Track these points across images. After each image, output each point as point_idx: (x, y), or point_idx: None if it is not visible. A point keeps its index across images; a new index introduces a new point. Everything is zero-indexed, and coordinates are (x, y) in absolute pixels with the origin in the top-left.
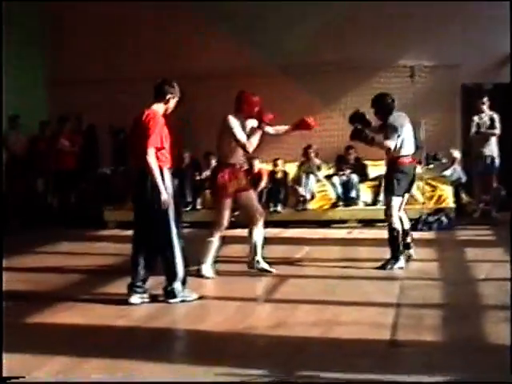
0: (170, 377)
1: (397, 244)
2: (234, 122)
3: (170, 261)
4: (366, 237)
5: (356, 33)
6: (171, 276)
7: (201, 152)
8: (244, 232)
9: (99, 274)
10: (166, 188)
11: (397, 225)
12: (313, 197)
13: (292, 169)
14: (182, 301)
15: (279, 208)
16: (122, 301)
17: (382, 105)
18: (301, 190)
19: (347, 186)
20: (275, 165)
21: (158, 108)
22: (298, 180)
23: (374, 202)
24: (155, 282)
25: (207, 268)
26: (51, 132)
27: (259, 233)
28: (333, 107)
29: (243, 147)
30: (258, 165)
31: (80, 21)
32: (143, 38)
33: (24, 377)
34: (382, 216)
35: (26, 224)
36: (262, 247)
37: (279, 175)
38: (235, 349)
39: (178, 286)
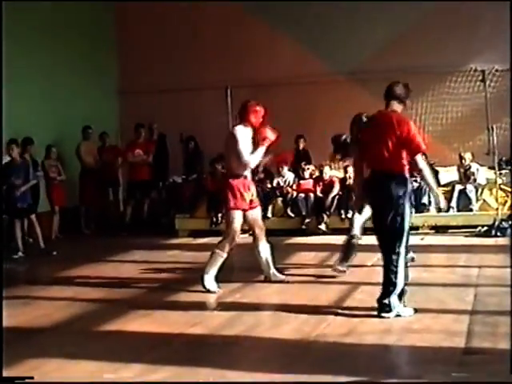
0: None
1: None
2: (240, 133)
3: (393, 271)
4: (438, 243)
5: (424, 38)
6: (390, 288)
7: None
8: (315, 239)
9: (172, 282)
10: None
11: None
12: None
13: None
14: (397, 315)
15: (350, 215)
16: (195, 309)
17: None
18: None
19: (419, 192)
20: (346, 172)
21: (399, 110)
22: None
23: (447, 209)
24: (227, 290)
25: (210, 280)
26: (123, 141)
27: (266, 247)
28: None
29: (244, 162)
30: (329, 172)
31: (150, 33)
32: (211, 47)
33: (32, 377)
34: (454, 222)
35: (99, 233)
36: (273, 258)
37: (350, 182)
38: (307, 357)
39: (394, 299)
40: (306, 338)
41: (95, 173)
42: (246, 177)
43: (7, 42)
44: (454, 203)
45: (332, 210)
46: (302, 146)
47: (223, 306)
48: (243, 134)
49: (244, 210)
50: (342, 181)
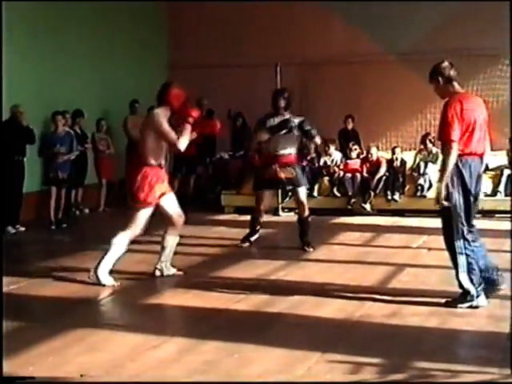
0: (281, 361)
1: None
2: (161, 116)
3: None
4: (485, 227)
5: (476, 20)
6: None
7: None
8: (360, 219)
9: (217, 258)
10: None
11: None
12: (431, 186)
13: (410, 157)
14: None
15: (397, 196)
16: (239, 285)
17: None
18: (419, 179)
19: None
20: (393, 153)
21: None
22: (416, 168)
23: (494, 193)
24: (272, 267)
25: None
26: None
27: (174, 238)
28: None
29: (173, 145)
30: (376, 153)
31: (201, 7)
32: (261, 24)
33: (34, 377)
34: (502, 207)
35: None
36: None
37: (397, 163)
38: (350, 336)
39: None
40: (349, 317)
41: None
42: (161, 166)
43: (59, 17)
44: (501, 188)
45: (378, 190)
46: (350, 125)
47: (267, 283)
48: (164, 118)
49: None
50: (389, 162)
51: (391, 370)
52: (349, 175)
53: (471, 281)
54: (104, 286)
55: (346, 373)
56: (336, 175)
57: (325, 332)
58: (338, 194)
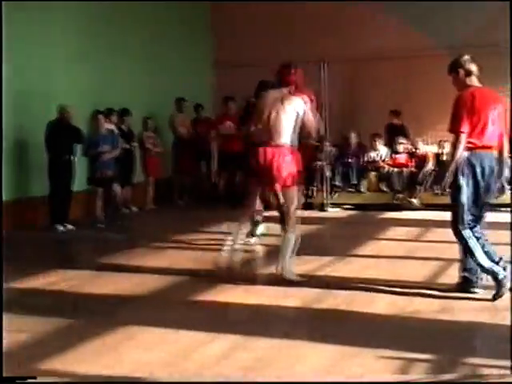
0: (333, 357)
1: None
2: None
3: None
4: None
5: None
6: None
7: (365, 134)
8: (408, 214)
9: (265, 254)
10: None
11: None
12: None
13: None
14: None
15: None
16: (288, 281)
17: None
18: None
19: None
20: (441, 147)
21: None
22: None
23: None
24: (319, 264)
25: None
26: (215, 114)
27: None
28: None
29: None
30: (423, 147)
31: (247, 6)
32: (308, 21)
33: (35, 377)
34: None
35: (192, 205)
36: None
37: (444, 157)
38: (401, 332)
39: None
40: (399, 313)
41: (188, 144)
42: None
43: (106, 17)
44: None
45: (426, 185)
46: (395, 120)
47: (315, 280)
48: None
49: None
50: (436, 156)
51: (443, 366)
52: (396, 170)
53: (492, 260)
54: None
55: (398, 369)
56: (383, 170)
57: (375, 328)
58: (386, 189)
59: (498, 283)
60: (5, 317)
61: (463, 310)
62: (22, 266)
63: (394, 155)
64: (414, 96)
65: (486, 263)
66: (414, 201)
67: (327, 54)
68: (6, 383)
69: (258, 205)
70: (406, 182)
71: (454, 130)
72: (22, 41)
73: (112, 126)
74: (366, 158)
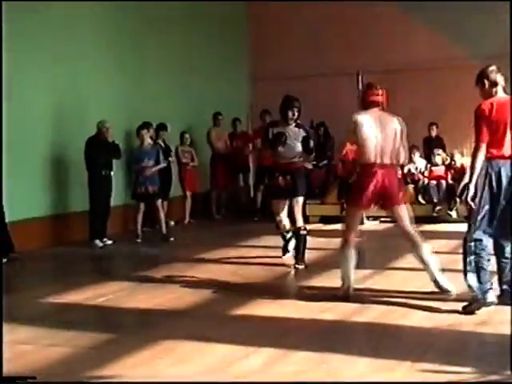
0: (373, 371)
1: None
2: None
3: None
4: None
5: None
6: None
7: None
8: (446, 227)
9: (301, 268)
10: None
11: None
12: None
13: None
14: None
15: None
16: (325, 294)
17: None
18: None
19: None
20: None
21: None
22: None
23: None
24: (359, 276)
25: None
26: (252, 128)
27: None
28: None
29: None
30: (460, 159)
31: (282, 19)
32: (341, 33)
33: (35, 377)
34: None
35: (229, 218)
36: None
37: None
38: (440, 345)
39: None
40: (438, 326)
41: (226, 158)
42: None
43: (141, 31)
44: None
45: (463, 197)
46: (434, 132)
47: (354, 292)
48: None
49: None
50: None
51: (482, 379)
52: (434, 182)
53: (478, 279)
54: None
55: (437, 381)
56: (421, 182)
57: (414, 341)
58: (423, 202)
59: (477, 301)
60: (43, 331)
61: (504, 322)
62: (61, 281)
63: (431, 167)
64: (450, 107)
65: (472, 281)
66: (453, 213)
67: (361, 66)
68: (6, 383)
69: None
70: (444, 195)
71: (474, 140)
72: (56, 57)
73: (151, 141)
74: (403, 171)
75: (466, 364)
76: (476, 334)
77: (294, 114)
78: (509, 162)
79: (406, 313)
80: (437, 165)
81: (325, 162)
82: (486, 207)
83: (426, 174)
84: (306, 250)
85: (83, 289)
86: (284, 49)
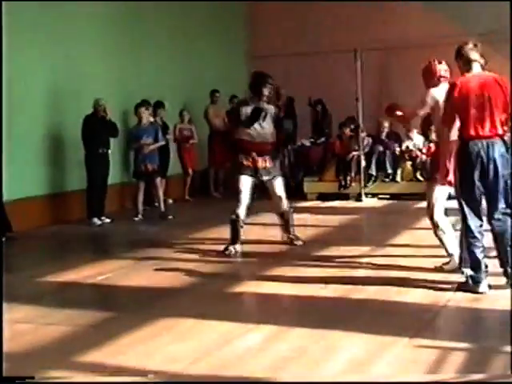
0: (371, 347)
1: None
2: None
3: None
4: None
5: None
6: None
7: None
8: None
9: (300, 245)
10: None
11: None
12: None
13: None
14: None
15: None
16: (324, 272)
17: None
18: None
19: None
20: None
21: None
22: None
23: None
24: (357, 253)
25: None
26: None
27: None
28: None
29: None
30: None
31: None
32: (339, 11)
33: (33, 377)
34: None
35: (228, 196)
36: None
37: None
38: (438, 321)
39: None
40: (436, 302)
41: (223, 136)
42: None
43: (137, 9)
44: None
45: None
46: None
47: (352, 270)
48: None
49: None
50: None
51: (480, 355)
52: (431, 159)
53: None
54: None
55: (434, 358)
56: (419, 159)
57: (412, 317)
58: (421, 179)
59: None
60: (42, 309)
61: (502, 298)
62: (59, 260)
63: (429, 144)
64: None
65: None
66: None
67: (358, 44)
68: (6, 383)
69: None
70: None
71: (442, 121)
72: (52, 38)
73: (150, 118)
74: (401, 147)
75: (464, 340)
76: (474, 310)
77: (269, 92)
78: (481, 141)
79: (405, 289)
80: (434, 141)
81: (323, 139)
82: (466, 191)
83: (424, 150)
84: (308, 227)
85: (81, 267)
86: (281, 27)
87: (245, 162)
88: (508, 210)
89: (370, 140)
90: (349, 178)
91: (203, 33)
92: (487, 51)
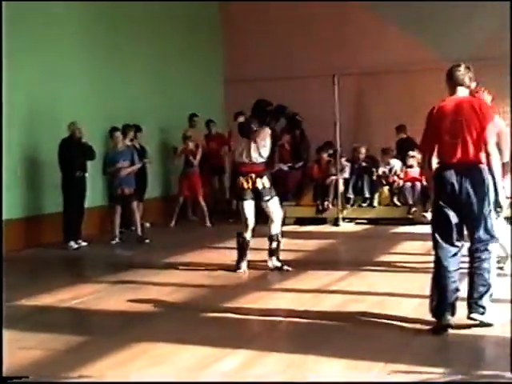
0: (346, 373)
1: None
2: None
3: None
4: None
5: None
6: (485, 288)
7: (377, 148)
8: (421, 228)
9: (277, 269)
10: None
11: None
12: None
13: None
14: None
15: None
16: (300, 297)
17: None
18: None
19: None
20: None
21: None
22: None
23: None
24: (334, 278)
25: None
26: (228, 129)
27: None
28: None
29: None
30: (435, 160)
31: (256, 21)
32: (313, 36)
33: (27, 377)
34: None
35: (205, 220)
36: None
37: None
38: (414, 346)
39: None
40: (412, 327)
41: (201, 160)
42: None
43: (115, 32)
44: None
45: None
46: (404, 135)
47: (329, 295)
48: None
49: None
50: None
51: (455, 379)
52: (409, 184)
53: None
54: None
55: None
56: (396, 184)
57: (388, 342)
58: (399, 204)
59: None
60: (16, 333)
61: (479, 324)
62: (35, 283)
63: (406, 169)
64: (423, 108)
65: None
66: (427, 215)
67: (334, 68)
68: (6, 383)
69: None
70: (419, 196)
71: (420, 148)
72: (28, 59)
73: (129, 142)
74: (378, 173)
75: (440, 365)
76: (450, 335)
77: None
78: (451, 169)
79: (381, 314)
80: (411, 167)
81: (300, 163)
82: (437, 220)
83: (401, 175)
84: (286, 252)
85: (57, 291)
86: (258, 51)
87: (245, 186)
88: (488, 242)
89: (348, 165)
90: (326, 202)
91: (180, 57)
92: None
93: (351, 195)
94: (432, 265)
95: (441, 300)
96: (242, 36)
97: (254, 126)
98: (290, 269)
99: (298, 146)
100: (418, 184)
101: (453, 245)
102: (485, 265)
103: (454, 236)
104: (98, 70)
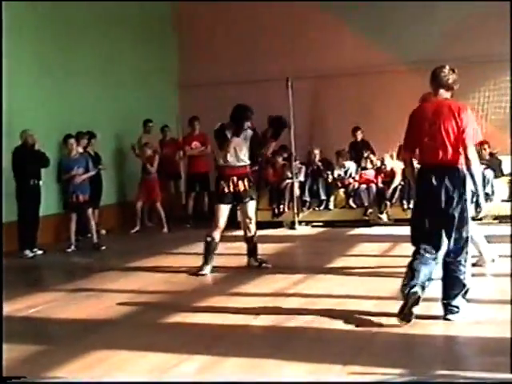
0: (305, 375)
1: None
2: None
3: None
4: (503, 233)
5: (485, 27)
6: (460, 288)
7: (331, 150)
8: (377, 230)
9: (234, 273)
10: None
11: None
12: None
13: None
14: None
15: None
16: (257, 300)
17: None
18: None
19: (483, 181)
20: None
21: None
22: None
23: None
24: (291, 282)
25: None
26: (182, 134)
27: None
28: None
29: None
30: (390, 162)
31: (210, 25)
32: (271, 39)
33: (25, 377)
34: None
35: (162, 226)
36: None
37: None
38: (371, 348)
39: (461, 300)
40: (369, 329)
41: (160, 166)
42: None
43: (68, 39)
44: None
45: (394, 200)
46: (359, 137)
47: (286, 298)
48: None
49: None
50: (403, 171)
51: (413, 379)
52: (364, 186)
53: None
54: None
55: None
56: (351, 187)
57: (345, 344)
58: (354, 206)
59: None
60: None
61: (434, 324)
62: None
63: (361, 171)
64: (378, 111)
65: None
66: (383, 216)
67: (289, 72)
68: (5, 383)
69: None
70: (374, 198)
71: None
72: None
73: (81, 150)
74: (333, 175)
75: (397, 366)
76: (406, 336)
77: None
78: (434, 169)
79: (338, 317)
80: (366, 168)
81: (255, 167)
82: (417, 220)
83: (356, 177)
84: (241, 256)
85: (13, 300)
86: (213, 55)
87: (226, 190)
88: (466, 242)
89: (303, 168)
90: (282, 206)
91: (135, 62)
92: (416, 80)
93: (307, 198)
94: (388, 268)
95: (412, 279)
96: (198, 40)
97: (229, 133)
98: (269, 266)
99: (252, 149)
100: (373, 186)
101: (430, 245)
102: (461, 267)
103: (433, 236)
104: (50, 77)
